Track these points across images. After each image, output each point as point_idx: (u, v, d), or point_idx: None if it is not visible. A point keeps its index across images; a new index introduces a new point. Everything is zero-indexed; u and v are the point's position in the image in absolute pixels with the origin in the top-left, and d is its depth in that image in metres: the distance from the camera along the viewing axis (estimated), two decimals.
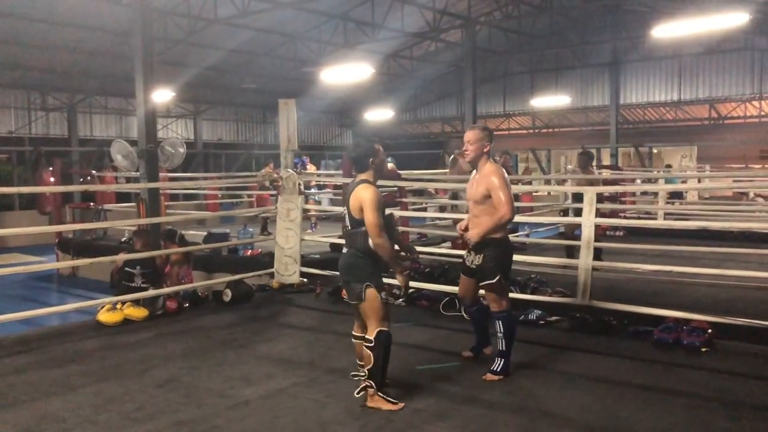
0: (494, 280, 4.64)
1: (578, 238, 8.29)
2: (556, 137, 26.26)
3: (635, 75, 23.43)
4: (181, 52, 18.20)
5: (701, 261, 8.00)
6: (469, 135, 4.79)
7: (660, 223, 10.09)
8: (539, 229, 12.04)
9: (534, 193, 15.16)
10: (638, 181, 14.30)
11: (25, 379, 4.80)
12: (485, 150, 4.75)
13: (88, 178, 13.45)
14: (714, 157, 20.21)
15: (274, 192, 10.74)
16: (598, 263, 6.29)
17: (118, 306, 6.48)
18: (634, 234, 11.30)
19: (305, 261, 8.10)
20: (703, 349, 5.24)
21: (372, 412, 4.05)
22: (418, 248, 8.14)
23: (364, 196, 4.07)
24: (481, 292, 4.90)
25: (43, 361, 5.22)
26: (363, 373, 4.10)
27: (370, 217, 4.02)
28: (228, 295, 7.18)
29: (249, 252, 9.77)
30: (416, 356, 5.26)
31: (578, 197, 8.74)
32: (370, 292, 4.09)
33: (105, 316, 6.36)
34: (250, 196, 14.98)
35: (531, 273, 7.59)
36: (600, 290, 5.67)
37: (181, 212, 12.77)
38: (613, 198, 11.64)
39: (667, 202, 12.47)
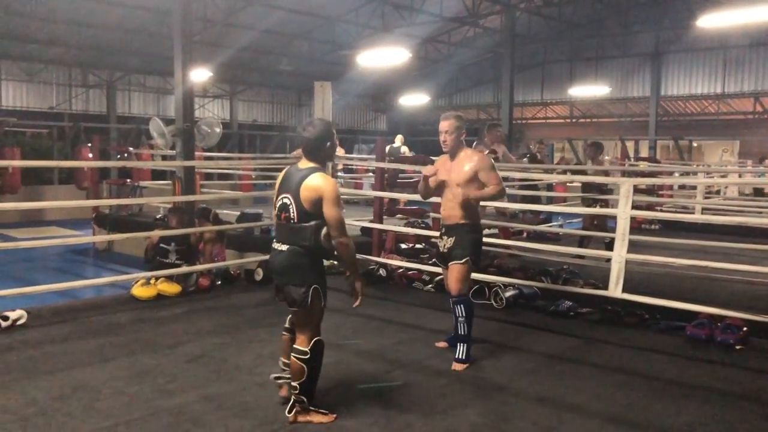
0: (461, 261, 4.62)
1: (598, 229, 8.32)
2: (594, 127, 25.87)
3: (677, 66, 22.93)
4: (220, 33, 18.34)
5: (738, 257, 7.83)
6: (446, 125, 4.74)
7: (697, 217, 9.89)
8: (573, 220, 11.91)
9: (568, 184, 14.98)
10: (676, 174, 14.03)
11: (61, 348, 4.92)
12: (462, 138, 4.76)
13: (125, 155, 13.65)
14: (757, 152, 19.73)
15: None
16: (631, 256, 6.19)
17: (152, 281, 6.59)
18: (671, 228, 11.11)
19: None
20: (737, 347, 5.15)
21: (398, 393, 4.06)
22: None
23: (324, 187, 3.55)
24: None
25: (79, 332, 5.35)
26: (288, 377, 3.77)
27: (333, 213, 3.55)
28: (260, 274, 7.26)
29: None
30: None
31: (586, 189, 8.72)
32: (315, 297, 3.61)
33: (139, 291, 6.48)
34: None
35: (563, 264, 7.54)
36: (633, 283, 5.58)
37: (215, 191, 12.91)
38: (650, 191, 11.46)
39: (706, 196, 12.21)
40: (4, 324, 5.31)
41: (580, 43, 23.66)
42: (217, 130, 10.36)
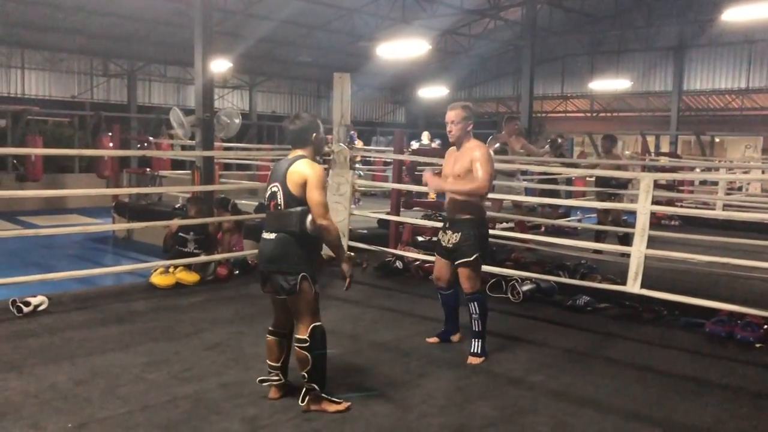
0: (471, 259, 4.53)
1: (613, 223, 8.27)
2: (615, 122, 25.63)
3: (701, 60, 22.63)
4: (239, 23, 18.38)
5: (760, 255, 7.72)
6: (452, 115, 4.62)
7: (718, 213, 9.77)
8: (591, 215, 11.82)
9: (588, 179, 14.86)
10: (697, 170, 13.88)
11: (81, 334, 4.98)
12: (468, 129, 4.65)
13: (145, 144, 13.77)
14: None
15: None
16: (650, 251, 6.14)
17: (171, 270, 6.65)
18: (691, 224, 11.00)
19: (352, 235, 8.14)
20: (758, 345, 5.09)
21: (414, 385, 4.07)
22: None
23: (308, 172, 3.60)
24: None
25: (98, 319, 5.41)
26: (275, 380, 3.80)
27: (316, 196, 3.58)
28: None
29: None
30: (463, 335, 5.25)
31: (601, 183, 8.66)
32: (306, 285, 3.58)
33: (158, 279, 6.54)
34: None
35: (581, 258, 7.49)
36: (652, 279, 5.53)
37: (234, 181, 12.98)
38: (671, 186, 11.35)
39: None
40: (26, 309, 5.39)
41: (601, 36, 23.41)
42: (237, 120, 10.41)
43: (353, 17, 19.43)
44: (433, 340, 4.97)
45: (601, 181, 8.75)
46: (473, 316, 4.59)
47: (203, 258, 6.97)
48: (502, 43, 23.57)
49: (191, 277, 6.66)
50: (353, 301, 6.30)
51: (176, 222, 7.44)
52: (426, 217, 9.22)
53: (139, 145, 13.93)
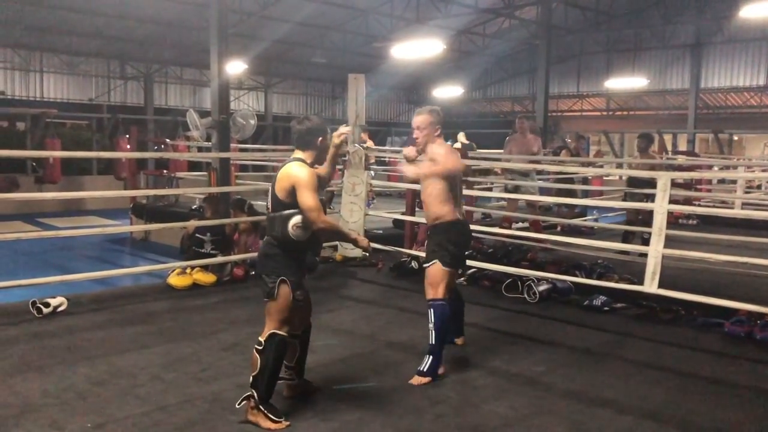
0: (428, 264, 4.34)
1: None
2: (631, 120, 25.44)
3: (718, 58, 22.38)
4: (255, 25, 18.46)
5: None
6: (419, 120, 4.38)
7: (736, 212, 9.67)
8: (608, 214, 11.76)
9: (604, 177, 14.78)
10: (715, 168, 13.74)
11: (99, 335, 5.03)
12: (436, 134, 4.39)
13: (162, 146, 13.86)
14: None
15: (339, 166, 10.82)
16: (668, 251, 6.10)
17: (188, 270, 6.69)
18: (709, 223, 10.89)
19: (368, 236, 8.14)
20: None
21: (430, 385, 4.08)
22: (482, 228, 8.09)
23: (297, 174, 3.48)
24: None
25: (117, 320, 5.46)
26: (288, 377, 3.77)
27: (306, 200, 3.44)
28: None
29: None
30: (479, 336, 5.25)
31: (633, 182, 8.53)
32: (284, 290, 3.51)
33: (175, 280, 6.59)
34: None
35: (598, 258, 7.46)
36: (669, 279, 5.49)
37: (250, 183, 13.03)
38: (688, 185, 11.25)
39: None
40: (46, 310, 5.45)
41: (617, 34, 23.23)
42: (252, 122, 10.46)
43: (368, 18, 19.45)
44: (460, 341, 4.85)
45: (634, 182, 8.57)
46: (429, 325, 4.25)
47: (220, 259, 7.01)
48: (517, 42, 23.47)
49: (208, 278, 6.71)
50: (369, 301, 6.31)
51: (193, 223, 7.49)
52: None
53: (156, 147, 14.03)
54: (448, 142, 14.92)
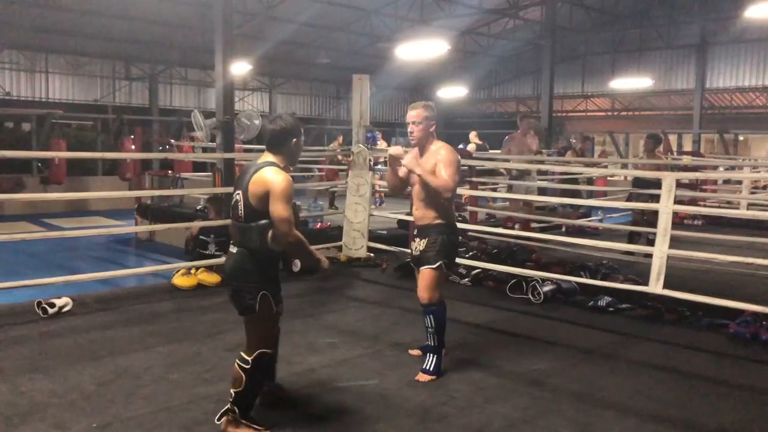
0: (434, 266, 4.20)
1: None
2: (636, 120, 25.39)
3: (724, 58, 22.33)
4: (259, 25, 18.48)
5: None
6: (413, 115, 4.28)
7: (742, 213, 9.65)
8: (613, 215, 11.73)
9: (609, 178, 14.76)
10: (721, 168, 13.71)
11: (105, 335, 5.04)
12: (431, 130, 4.31)
13: (167, 146, 13.88)
14: None
15: (344, 167, 10.84)
16: (673, 251, 6.09)
17: (193, 271, 6.70)
18: (714, 224, 10.86)
19: (373, 236, 8.16)
20: None
21: (435, 386, 4.08)
22: (486, 228, 8.09)
23: (273, 181, 3.23)
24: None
25: (122, 320, 5.47)
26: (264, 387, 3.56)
27: (279, 210, 3.21)
28: (297, 265, 7.32)
29: (318, 225, 9.92)
30: (483, 336, 5.25)
31: (637, 183, 8.54)
32: (266, 304, 3.34)
33: (180, 280, 6.60)
34: (320, 170, 15.15)
35: (602, 259, 7.44)
36: (675, 279, 5.48)
37: None
38: (693, 186, 11.23)
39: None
40: (51, 311, 5.47)
41: (622, 34, 23.21)
42: (257, 122, 10.48)
43: (372, 19, 19.46)
44: (416, 352, 4.66)
45: (639, 182, 8.57)
46: (428, 330, 4.24)
47: (224, 259, 7.00)
48: (521, 42, 23.47)
49: (213, 279, 6.71)
50: (373, 302, 6.31)
51: (198, 224, 7.51)
52: None
53: (160, 148, 14.05)
54: (461, 145, 14.97)
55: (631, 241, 8.22)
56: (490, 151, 13.86)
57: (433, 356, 4.26)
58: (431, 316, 4.22)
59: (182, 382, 4.12)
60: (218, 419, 3.42)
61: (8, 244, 9.81)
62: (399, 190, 4.71)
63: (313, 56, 22.39)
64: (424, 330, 4.33)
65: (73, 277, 6.30)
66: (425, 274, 4.26)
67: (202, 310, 5.86)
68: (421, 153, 4.33)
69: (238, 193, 3.35)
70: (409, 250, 7.49)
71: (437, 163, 4.19)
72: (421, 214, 4.35)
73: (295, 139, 3.43)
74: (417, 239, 4.38)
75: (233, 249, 3.41)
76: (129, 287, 7.13)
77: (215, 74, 9.28)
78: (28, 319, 5.35)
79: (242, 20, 16.88)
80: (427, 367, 4.25)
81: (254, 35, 18.79)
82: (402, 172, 4.39)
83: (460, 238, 8.16)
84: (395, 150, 4.43)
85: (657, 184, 8.15)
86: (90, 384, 4.04)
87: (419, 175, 4.19)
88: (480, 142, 15.29)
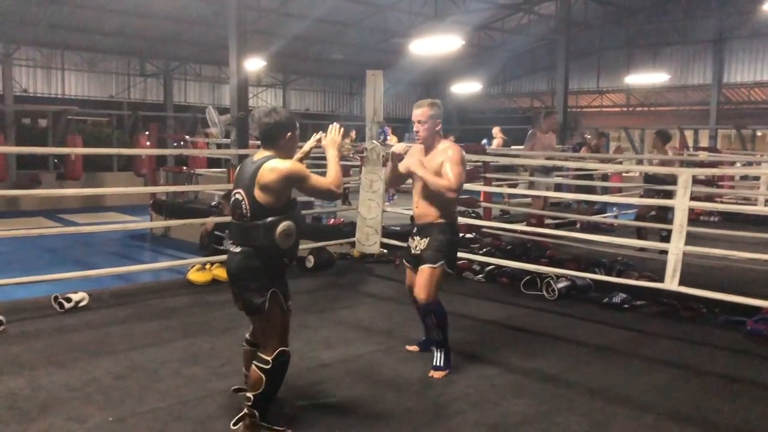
0: (436, 265, 4.13)
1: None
2: (652, 116, 25.17)
3: (741, 52, 22.04)
4: (273, 22, 18.50)
5: None
6: (419, 113, 4.21)
7: (759, 209, 9.54)
8: (628, 211, 11.64)
9: (624, 174, 14.64)
10: (738, 164, 13.56)
11: (120, 330, 5.08)
12: (437, 128, 4.24)
13: (182, 143, 13.97)
14: None
15: (357, 163, 10.83)
16: (689, 248, 6.04)
17: (207, 266, 6.74)
18: (731, 220, 10.76)
19: (386, 232, 8.15)
20: None
21: (449, 381, 4.08)
22: (500, 224, 8.06)
23: (288, 168, 3.21)
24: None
25: (137, 315, 5.52)
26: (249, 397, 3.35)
27: (318, 184, 3.32)
28: (311, 261, 7.34)
29: (332, 221, 9.93)
30: (497, 333, 5.24)
31: (648, 179, 8.52)
32: (278, 303, 3.28)
33: (194, 276, 6.63)
34: None
35: (617, 255, 7.39)
36: (691, 276, 5.43)
37: None
38: (710, 182, 11.12)
39: None
40: (68, 306, 5.52)
41: (638, 29, 22.98)
42: None
43: (386, 14, 19.42)
44: (413, 348, 4.67)
45: (649, 179, 8.60)
46: (431, 327, 4.24)
47: None
48: (536, 37, 23.30)
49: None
50: (387, 298, 6.32)
51: (212, 220, 7.55)
52: (459, 213, 9.16)
53: (175, 144, 14.16)
54: (483, 141, 14.89)
55: (639, 236, 8.20)
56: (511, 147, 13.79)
57: (441, 351, 4.26)
58: (432, 315, 4.20)
59: (197, 376, 4.14)
60: (234, 424, 3.33)
61: (25, 240, 9.91)
62: (396, 185, 4.66)
63: (327, 52, 22.40)
64: (423, 327, 4.36)
65: (89, 272, 6.35)
66: (426, 273, 4.18)
67: (217, 305, 5.89)
68: (427, 152, 4.27)
69: (239, 192, 3.28)
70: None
71: (444, 162, 4.11)
72: (422, 212, 4.29)
73: (290, 133, 3.33)
74: (417, 238, 4.32)
75: (235, 249, 3.30)
76: (144, 282, 7.18)
77: (229, 70, 9.34)
78: (45, 314, 5.40)
79: (256, 16, 16.90)
80: (438, 363, 4.25)
81: (268, 31, 18.81)
82: (402, 167, 4.37)
83: (474, 234, 8.29)
84: (399, 147, 4.38)
85: (666, 181, 8.15)
86: (106, 378, 4.07)
87: (421, 177, 4.15)
88: (505, 138, 15.21)
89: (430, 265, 4.16)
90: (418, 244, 4.29)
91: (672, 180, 8.27)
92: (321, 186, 3.33)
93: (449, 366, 4.26)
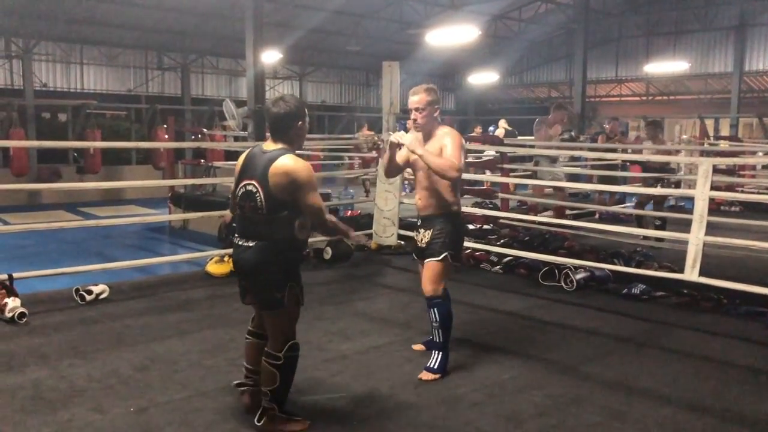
0: (440, 258, 4.05)
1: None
2: (671, 105, 24.88)
3: (764, 39, 21.67)
4: (289, 14, 18.51)
5: None
6: (416, 100, 4.03)
7: None
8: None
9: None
10: (760, 153, 13.37)
11: (140, 322, 5.14)
12: (436, 115, 4.08)
13: (200, 136, 14.03)
14: None
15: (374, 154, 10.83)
16: (709, 238, 5.97)
17: (226, 258, 6.77)
18: (753, 210, 10.63)
19: (403, 224, 8.15)
20: None
21: (466, 373, 4.08)
22: (517, 215, 8.03)
23: (297, 170, 3.10)
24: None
25: (157, 307, 5.57)
26: (251, 383, 3.47)
27: (312, 201, 3.13)
28: (328, 253, 7.37)
29: (349, 213, 9.95)
30: (515, 324, 5.23)
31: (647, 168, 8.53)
32: (294, 296, 3.24)
33: (213, 268, 6.68)
34: (351, 158, 15.17)
35: (636, 246, 7.34)
36: (711, 267, 5.38)
37: None
38: (731, 171, 11.00)
39: None
40: (89, 298, 5.59)
41: (658, 16, 22.68)
42: None
43: (402, 5, 19.34)
44: (419, 347, 4.57)
45: (648, 168, 8.67)
46: (433, 324, 4.12)
47: None
48: (554, 26, 23.08)
49: None
50: (403, 289, 6.32)
51: (231, 212, 7.57)
52: (477, 204, 9.15)
53: (193, 137, 14.21)
54: (491, 128, 14.81)
55: (639, 225, 8.18)
56: (519, 138, 13.73)
57: (438, 354, 4.11)
58: (435, 310, 4.10)
59: (217, 367, 4.18)
60: (258, 421, 3.29)
61: (47, 233, 10.02)
62: (393, 175, 4.56)
63: (343, 44, 22.35)
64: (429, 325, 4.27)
65: (110, 265, 6.42)
66: (431, 267, 4.11)
67: (236, 296, 5.82)
68: (426, 140, 4.09)
69: (252, 183, 3.16)
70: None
71: (443, 147, 3.96)
72: (425, 203, 4.19)
73: (300, 122, 3.25)
74: (421, 230, 4.22)
75: (248, 243, 3.20)
76: (164, 275, 7.25)
77: (246, 63, 9.35)
78: (66, 306, 5.48)
79: (272, 9, 16.90)
80: (432, 366, 4.09)
81: (284, 24, 18.82)
82: (401, 157, 4.27)
83: (491, 225, 8.27)
84: (396, 136, 4.12)
85: (665, 170, 8.15)
86: (127, 369, 4.13)
87: (420, 156, 3.93)
88: (510, 128, 15.17)
89: (434, 259, 4.10)
90: (423, 236, 4.20)
91: (670, 169, 8.32)
92: (314, 206, 3.17)
93: (443, 371, 4.09)
